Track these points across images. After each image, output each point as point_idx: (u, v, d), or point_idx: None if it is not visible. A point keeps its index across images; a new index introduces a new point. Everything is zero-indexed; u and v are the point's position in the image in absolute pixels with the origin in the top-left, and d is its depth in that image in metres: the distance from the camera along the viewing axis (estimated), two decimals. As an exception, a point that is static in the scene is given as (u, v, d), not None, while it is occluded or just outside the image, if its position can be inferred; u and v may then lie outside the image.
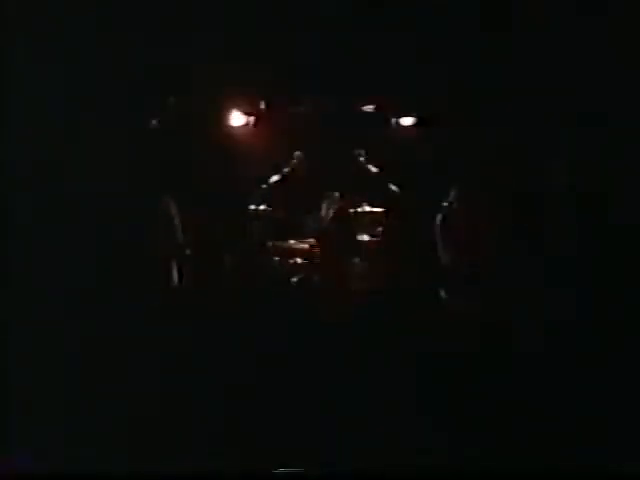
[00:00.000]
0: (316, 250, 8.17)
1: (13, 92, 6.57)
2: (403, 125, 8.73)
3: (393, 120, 8.77)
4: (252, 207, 8.54)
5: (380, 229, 8.53)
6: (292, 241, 8.43)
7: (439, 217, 7.54)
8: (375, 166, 8.64)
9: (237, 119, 8.70)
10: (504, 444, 5.27)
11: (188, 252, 7.78)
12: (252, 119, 8.75)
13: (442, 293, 7.50)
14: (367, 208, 8.58)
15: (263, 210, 8.56)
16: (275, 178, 8.63)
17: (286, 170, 8.66)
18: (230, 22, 7.52)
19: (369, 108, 8.70)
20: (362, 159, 8.70)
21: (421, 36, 7.56)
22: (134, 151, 7.42)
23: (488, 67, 7.58)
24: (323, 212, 8.32)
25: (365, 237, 8.44)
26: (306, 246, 8.31)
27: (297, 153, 8.70)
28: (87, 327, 6.38)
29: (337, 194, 8.34)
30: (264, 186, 8.59)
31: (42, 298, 6.47)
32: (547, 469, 5.05)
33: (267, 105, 8.68)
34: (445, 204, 7.57)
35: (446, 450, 5.24)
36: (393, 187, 8.53)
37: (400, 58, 7.71)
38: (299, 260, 8.29)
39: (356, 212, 8.51)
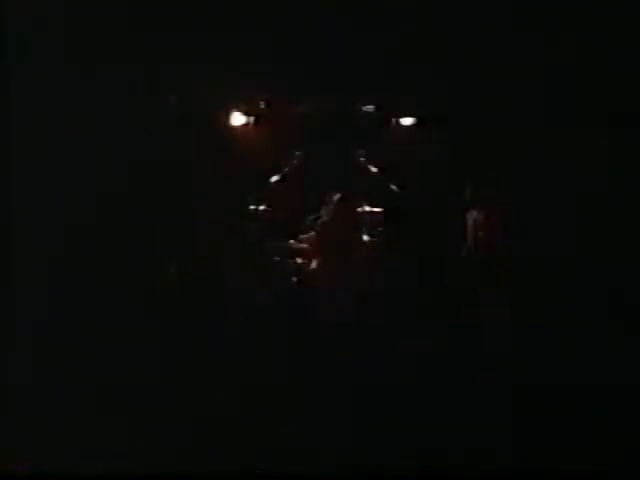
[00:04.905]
0: (316, 250, 8.15)
1: (11, 91, 6.58)
2: (403, 125, 8.73)
3: (393, 120, 8.77)
4: (252, 207, 8.53)
5: (380, 229, 8.52)
6: (292, 241, 8.42)
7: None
8: (375, 166, 8.64)
9: (237, 119, 8.70)
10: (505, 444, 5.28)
11: (187, 252, 7.79)
12: (252, 119, 8.75)
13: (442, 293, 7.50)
14: (367, 208, 8.57)
15: (263, 210, 8.55)
16: (275, 178, 8.63)
17: (286, 170, 8.66)
18: (230, 22, 7.52)
19: (369, 108, 8.70)
20: (362, 159, 8.69)
21: (421, 36, 7.56)
22: (133, 151, 7.42)
23: (488, 67, 7.58)
24: (324, 212, 8.30)
25: (365, 237, 8.43)
26: (306, 246, 8.30)
27: (297, 153, 8.70)
28: (86, 327, 6.39)
29: (337, 194, 8.33)
30: (264, 186, 8.58)
31: (41, 297, 6.48)
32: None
33: (267, 105, 8.68)
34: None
35: (446, 451, 5.24)
36: (393, 187, 8.53)
37: (400, 58, 7.71)
38: (299, 260, 8.28)
39: (356, 212, 8.49)
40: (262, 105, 8.72)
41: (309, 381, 6.09)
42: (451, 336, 6.70)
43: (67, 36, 6.92)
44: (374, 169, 8.61)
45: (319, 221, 8.01)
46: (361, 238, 8.27)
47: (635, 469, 4.96)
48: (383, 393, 5.88)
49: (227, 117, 8.65)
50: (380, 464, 5.09)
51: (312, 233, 8.10)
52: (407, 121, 8.70)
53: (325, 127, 8.70)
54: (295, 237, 8.41)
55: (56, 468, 4.98)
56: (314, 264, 7.90)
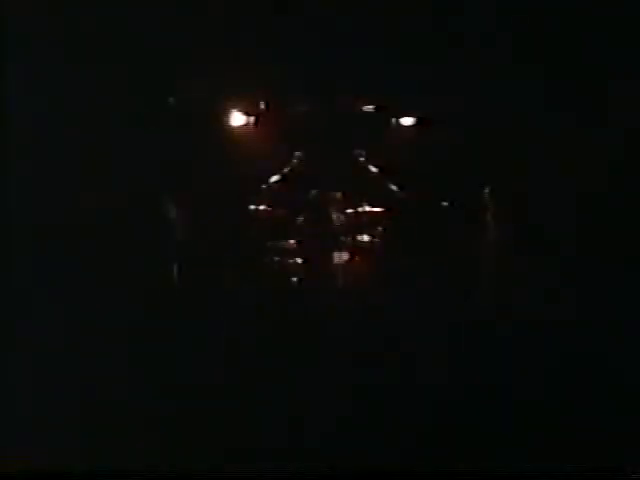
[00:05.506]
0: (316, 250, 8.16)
1: (9, 92, 6.58)
2: (403, 125, 8.72)
3: (393, 120, 8.76)
4: (252, 207, 8.52)
5: (380, 229, 8.52)
6: (292, 241, 8.41)
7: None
8: (375, 166, 8.63)
9: (237, 119, 8.69)
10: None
11: (188, 252, 7.78)
12: (252, 119, 8.73)
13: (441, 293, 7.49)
14: (367, 208, 8.56)
15: (263, 210, 8.54)
16: (275, 178, 8.61)
17: (286, 170, 8.64)
18: (230, 22, 7.51)
19: (369, 108, 8.69)
20: (362, 159, 8.68)
21: (422, 36, 7.56)
22: (133, 151, 7.41)
23: (488, 67, 7.58)
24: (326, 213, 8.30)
25: (365, 237, 8.43)
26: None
27: (297, 153, 8.68)
28: (85, 327, 6.38)
29: (338, 194, 8.32)
30: (264, 186, 8.57)
31: (41, 297, 6.48)
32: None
33: (267, 105, 8.67)
34: None
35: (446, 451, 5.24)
36: (393, 187, 8.52)
37: (400, 58, 7.70)
38: (299, 260, 8.27)
39: (356, 212, 8.49)
40: (262, 105, 8.70)
41: (309, 381, 6.09)
42: (451, 336, 6.70)
43: (67, 36, 6.91)
44: (374, 169, 8.60)
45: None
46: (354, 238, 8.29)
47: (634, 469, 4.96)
48: (383, 393, 5.88)
49: (227, 117, 8.64)
50: (379, 464, 5.10)
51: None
52: (407, 121, 8.69)
53: (325, 127, 8.68)
54: (295, 237, 8.41)
55: (56, 468, 4.97)
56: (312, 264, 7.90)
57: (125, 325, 6.55)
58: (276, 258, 8.33)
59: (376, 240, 8.39)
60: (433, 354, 6.45)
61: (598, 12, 7.01)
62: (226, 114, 8.64)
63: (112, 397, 5.67)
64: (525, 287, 7.07)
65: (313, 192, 8.01)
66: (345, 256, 8.26)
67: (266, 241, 8.42)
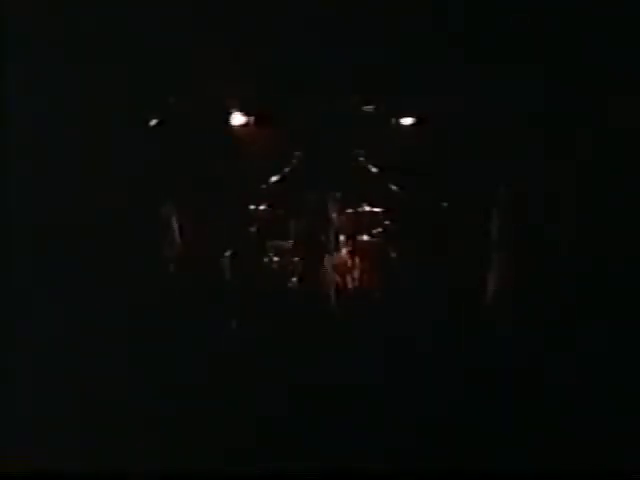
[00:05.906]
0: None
1: (9, 92, 6.59)
2: (403, 125, 8.74)
3: (393, 120, 8.77)
4: (252, 207, 8.54)
5: (380, 229, 8.53)
6: (292, 241, 8.41)
7: None
8: (375, 166, 8.65)
9: (237, 119, 8.71)
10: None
11: (187, 253, 7.79)
12: (252, 119, 8.75)
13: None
14: (367, 208, 8.58)
15: (263, 210, 8.55)
16: (275, 178, 8.63)
17: (286, 170, 8.66)
18: (230, 22, 7.52)
19: (369, 108, 8.70)
20: (362, 159, 8.70)
21: (421, 35, 7.57)
22: (133, 151, 7.42)
23: (489, 67, 7.58)
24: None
25: (365, 237, 8.45)
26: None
27: (297, 153, 8.70)
28: (85, 329, 6.39)
29: (338, 194, 8.33)
30: (264, 186, 8.59)
31: (41, 297, 6.48)
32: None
33: (266, 105, 8.69)
34: None
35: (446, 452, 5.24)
36: (393, 187, 8.54)
37: (400, 57, 7.71)
38: (299, 260, 8.28)
39: (356, 212, 8.51)
40: (262, 105, 8.72)
41: (309, 381, 6.09)
42: (451, 335, 6.70)
43: (67, 36, 6.92)
44: (374, 169, 8.62)
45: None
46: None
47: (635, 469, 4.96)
48: (383, 393, 5.88)
49: (227, 117, 8.66)
50: (379, 464, 5.10)
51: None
52: (407, 121, 8.71)
53: (325, 127, 8.70)
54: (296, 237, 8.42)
55: (56, 468, 4.98)
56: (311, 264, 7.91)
57: (125, 325, 6.56)
58: (276, 258, 8.34)
59: (376, 240, 8.41)
60: (433, 353, 6.45)
61: (598, 12, 7.02)
62: (226, 114, 8.66)
63: (112, 397, 5.67)
64: (525, 286, 7.07)
65: (313, 192, 8.02)
66: (344, 255, 8.27)
67: (266, 241, 8.44)
